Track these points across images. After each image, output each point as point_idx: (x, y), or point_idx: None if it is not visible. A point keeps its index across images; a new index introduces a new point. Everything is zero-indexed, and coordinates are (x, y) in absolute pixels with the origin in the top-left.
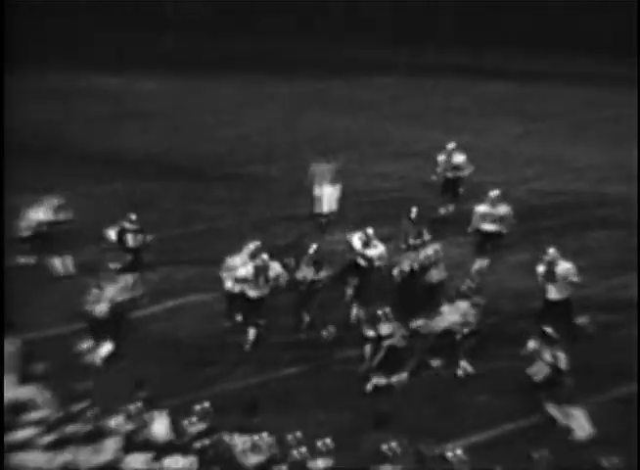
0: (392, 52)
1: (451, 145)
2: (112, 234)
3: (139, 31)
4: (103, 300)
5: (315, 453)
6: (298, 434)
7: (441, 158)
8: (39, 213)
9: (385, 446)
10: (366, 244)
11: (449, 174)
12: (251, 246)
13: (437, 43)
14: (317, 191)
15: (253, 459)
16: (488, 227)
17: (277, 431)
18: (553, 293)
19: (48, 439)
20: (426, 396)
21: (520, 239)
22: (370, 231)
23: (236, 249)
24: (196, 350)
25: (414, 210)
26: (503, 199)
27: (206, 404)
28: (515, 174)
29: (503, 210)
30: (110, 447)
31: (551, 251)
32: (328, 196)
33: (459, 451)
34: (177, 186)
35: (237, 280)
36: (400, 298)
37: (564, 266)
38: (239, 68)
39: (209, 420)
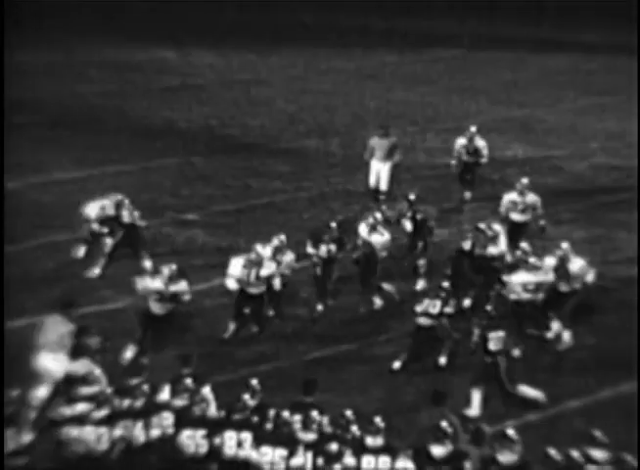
0: (456, 24)
1: (473, 128)
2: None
3: (197, 3)
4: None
5: (370, 432)
6: (352, 412)
7: (461, 141)
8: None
9: (444, 424)
10: (373, 229)
11: (468, 160)
12: (276, 240)
13: (501, 15)
14: (374, 165)
15: (308, 436)
16: (517, 217)
17: (332, 409)
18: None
19: (100, 414)
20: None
21: (579, 215)
22: (379, 216)
23: (293, 224)
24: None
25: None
26: (558, 171)
27: (255, 381)
28: (577, 149)
29: (532, 198)
30: (162, 423)
31: (564, 245)
32: (383, 171)
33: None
34: (234, 160)
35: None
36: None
37: (577, 264)
38: (297, 40)
39: (262, 397)
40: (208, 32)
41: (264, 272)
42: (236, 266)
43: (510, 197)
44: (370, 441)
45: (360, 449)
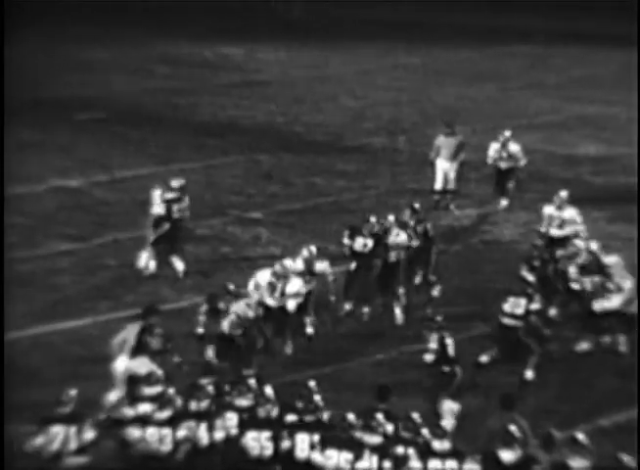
0: (530, 19)
1: (507, 133)
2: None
3: (263, 2)
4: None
5: (437, 435)
6: (418, 415)
7: (495, 146)
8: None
9: (512, 428)
10: (386, 231)
11: (502, 164)
12: (305, 252)
13: (576, 10)
14: (439, 165)
15: (373, 439)
16: (555, 232)
17: (396, 411)
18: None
19: (164, 415)
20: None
21: None
22: (391, 218)
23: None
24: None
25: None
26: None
27: (312, 383)
28: None
29: (569, 213)
30: (227, 424)
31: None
32: (450, 170)
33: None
34: (299, 158)
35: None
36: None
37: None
38: (364, 36)
39: (325, 399)
40: (274, 28)
41: (291, 289)
42: (262, 279)
43: (548, 210)
44: (437, 445)
45: (427, 453)
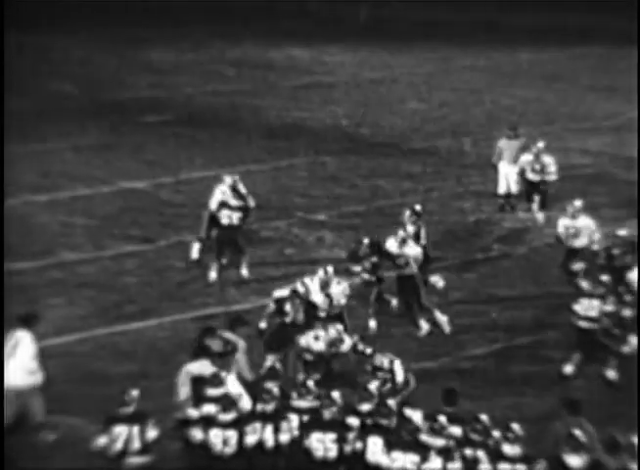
0: (597, 20)
1: (540, 143)
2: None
3: (330, 2)
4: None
5: (505, 439)
6: (487, 417)
7: (527, 158)
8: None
9: (577, 432)
10: (404, 242)
11: (534, 177)
12: (321, 272)
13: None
14: (502, 168)
15: (438, 442)
16: (572, 243)
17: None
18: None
19: (228, 417)
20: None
21: None
22: (402, 233)
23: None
24: None
25: None
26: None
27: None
28: None
29: (584, 222)
30: (291, 426)
31: None
32: (512, 173)
33: None
34: (364, 160)
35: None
36: None
37: None
38: (430, 38)
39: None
40: (341, 30)
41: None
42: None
43: (564, 222)
44: (508, 449)
45: (497, 457)
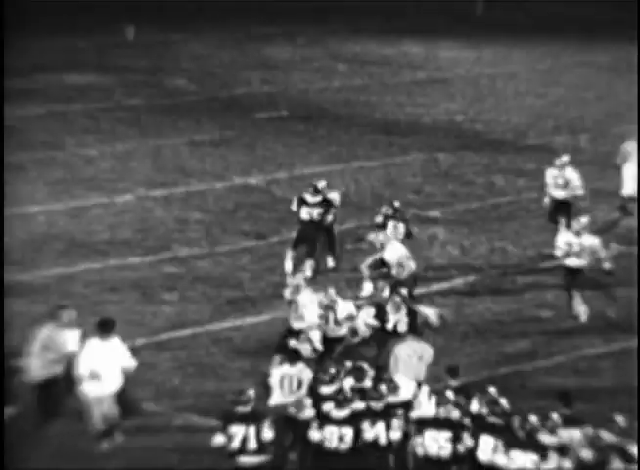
0: None
1: (565, 157)
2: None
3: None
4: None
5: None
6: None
7: (552, 173)
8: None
9: None
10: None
11: (559, 194)
12: (322, 296)
13: None
14: (627, 171)
15: (551, 440)
16: (571, 262)
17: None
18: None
19: (342, 414)
20: None
21: None
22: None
23: (538, 224)
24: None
25: None
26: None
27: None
28: None
29: (589, 240)
30: (402, 424)
31: None
32: (633, 177)
33: None
34: (479, 157)
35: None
36: None
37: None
38: (547, 33)
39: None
40: (456, 25)
41: (342, 315)
42: (312, 313)
43: (565, 238)
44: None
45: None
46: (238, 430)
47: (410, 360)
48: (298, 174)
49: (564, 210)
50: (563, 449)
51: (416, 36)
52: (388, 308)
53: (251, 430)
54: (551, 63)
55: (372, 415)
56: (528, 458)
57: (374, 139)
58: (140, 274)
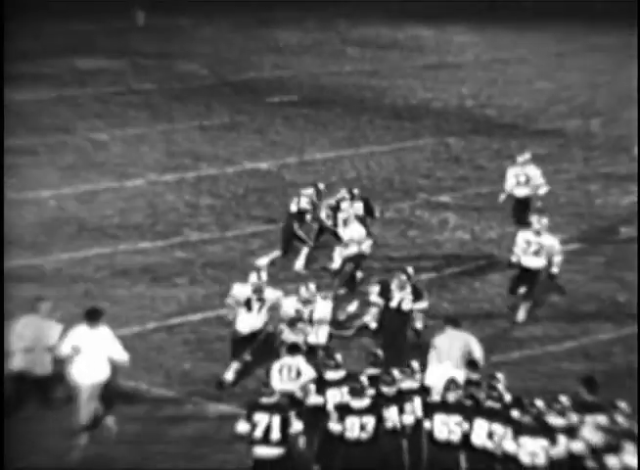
0: None
1: (527, 155)
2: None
3: None
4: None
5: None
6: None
7: (513, 170)
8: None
9: None
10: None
11: (519, 192)
12: (303, 290)
13: None
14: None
15: (558, 421)
16: (529, 262)
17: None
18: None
19: (361, 403)
20: None
21: None
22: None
23: (549, 210)
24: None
25: None
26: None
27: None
28: None
29: (548, 240)
30: (415, 409)
31: None
32: None
33: None
34: (489, 141)
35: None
36: None
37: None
38: (558, 17)
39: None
40: (467, 9)
41: (318, 315)
42: (288, 307)
43: (525, 235)
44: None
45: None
46: (261, 418)
47: (450, 351)
48: (309, 159)
49: (527, 207)
50: (571, 431)
51: (427, 21)
52: (393, 286)
53: (276, 420)
54: (562, 47)
55: (385, 401)
56: (538, 444)
57: (384, 124)
58: (151, 259)
